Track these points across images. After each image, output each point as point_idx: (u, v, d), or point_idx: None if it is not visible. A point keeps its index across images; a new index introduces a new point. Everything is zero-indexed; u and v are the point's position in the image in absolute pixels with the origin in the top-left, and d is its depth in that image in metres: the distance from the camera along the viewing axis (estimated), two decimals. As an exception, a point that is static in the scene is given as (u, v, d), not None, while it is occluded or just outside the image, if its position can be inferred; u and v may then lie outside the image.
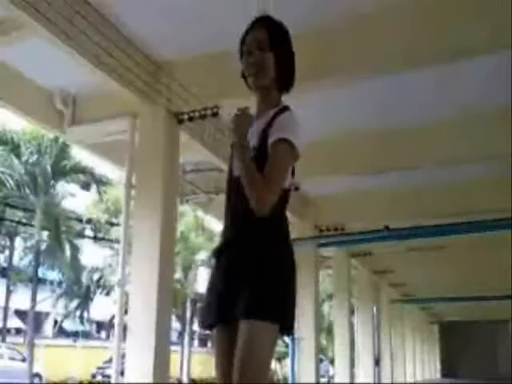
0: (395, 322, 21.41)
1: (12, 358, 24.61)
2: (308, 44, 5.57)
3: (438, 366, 34.65)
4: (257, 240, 2.42)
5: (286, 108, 2.57)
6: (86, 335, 37.85)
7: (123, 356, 6.19)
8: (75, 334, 36.04)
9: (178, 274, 23.46)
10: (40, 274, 27.11)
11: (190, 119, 6.40)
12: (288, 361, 11.51)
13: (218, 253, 2.54)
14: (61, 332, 37.74)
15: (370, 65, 5.78)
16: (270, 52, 2.55)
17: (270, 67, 2.56)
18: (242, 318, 2.32)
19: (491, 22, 5.10)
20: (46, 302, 31.79)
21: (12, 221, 26.08)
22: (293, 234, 2.64)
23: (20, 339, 31.20)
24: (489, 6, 5.17)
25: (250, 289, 2.34)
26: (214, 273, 2.56)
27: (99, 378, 26.32)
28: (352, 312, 15.34)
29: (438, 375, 34.16)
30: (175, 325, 29.08)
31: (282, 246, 2.48)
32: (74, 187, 26.44)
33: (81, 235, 27.17)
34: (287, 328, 2.43)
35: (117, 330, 6.35)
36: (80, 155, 21.50)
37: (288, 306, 2.41)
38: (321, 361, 21.42)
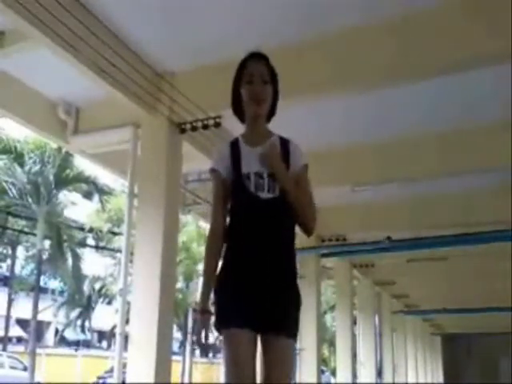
0: (397, 334, 21.33)
1: (13, 367, 24.53)
2: (299, 59, 5.65)
3: (441, 378, 34.45)
4: (295, 267, 2.78)
5: (284, 137, 2.91)
6: (88, 344, 37.79)
7: (124, 366, 6.18)
8: (76, 343, 36.01)
9: (180, 284, 23.42)
10: (42, 283, 27.13)
11: (193, 129, 6.41)
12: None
13: (254, 265, 2.68)
14: (62, 341, 37.70)
15: (361, 79, 5.83)
16: (270, 85, 2.87)
17: (270, 99, 2.88)
18: (286, 336, 2.67)
19: (487, 35, 5.14)
20: (47, 310, 31.80)
21: (14, 230, 26.09)
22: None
23: (21, 348, 31.12)
24: (483, 17, 5.20)
25: (293, 312, 2.71)
26: (246, 279, 2.67)
27: (100, 388, 26.20)
28: (354, 323, 15.30)
29: (441, 387, 34.00)
30: (176, 335, 29.02)
31: None
32: (76, 196, 26.45)
33: (83, 244, 27.15)
34: None
35: (118, 339, 6.35)
36: (82, 164, 21.60)
37: None
38: (322, 372, 21.37)
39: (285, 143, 2.87)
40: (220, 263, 2.77)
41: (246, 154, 2.82)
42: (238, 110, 2.95)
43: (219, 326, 2.65)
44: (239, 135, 2.92)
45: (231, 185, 2.79)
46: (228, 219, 2.81)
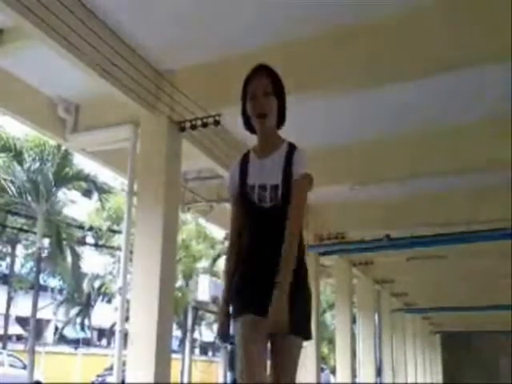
0: (397, 332, 21.35)
1: (13, 365, 24.53)
2: (285, 57, 5.65)
3: (440, 376, 34.49)
4: (300, 267, 2.83)
5: (293, 145, 2.99)
6: (87, 342, 37.82)
7: (124, 364, 6.19)
8: (76, 342, 36.02)
9: (180, 282, 23.42)
10: (41, 281, 27.09)
11: (192, 127, 6.41)
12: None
13: (260, 266, 2.84)
14: (61, 339, 37.68)
15: (361, 78, 5.82)
16: (273, 96, 2.94)
17: (275, 109, 2.96)
18: (294, 335, 2.75)
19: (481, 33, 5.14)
20: (47, 309, 31.78)
21: (13, 228, 26.06)
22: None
23: (21, 346, 31.09)
24: (479, 14, 5.20)
25: (300, 311, 2.77)
26: (253, 275, 2.84)
27: (100, 386, 26.20)
28: (353, 321, 15.31)
29: (440, 385, 34.03)
30: (176, 332, 29.04)
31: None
32: (75, 194, 26.43)
33: (82, 242, 27.14)
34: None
35: (118, 337, 6.36)
36: (82, 163, 21.57)
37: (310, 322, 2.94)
38: (322, 370, 21.38)
39: (291, 151, 2.94)
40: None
41: (253, 165, 2.97)
42: (249, 124, 3.04)
43: (235, 316, 2.84)
44: (251, 148, 3.06)
45: (239, 196, 2.98)
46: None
